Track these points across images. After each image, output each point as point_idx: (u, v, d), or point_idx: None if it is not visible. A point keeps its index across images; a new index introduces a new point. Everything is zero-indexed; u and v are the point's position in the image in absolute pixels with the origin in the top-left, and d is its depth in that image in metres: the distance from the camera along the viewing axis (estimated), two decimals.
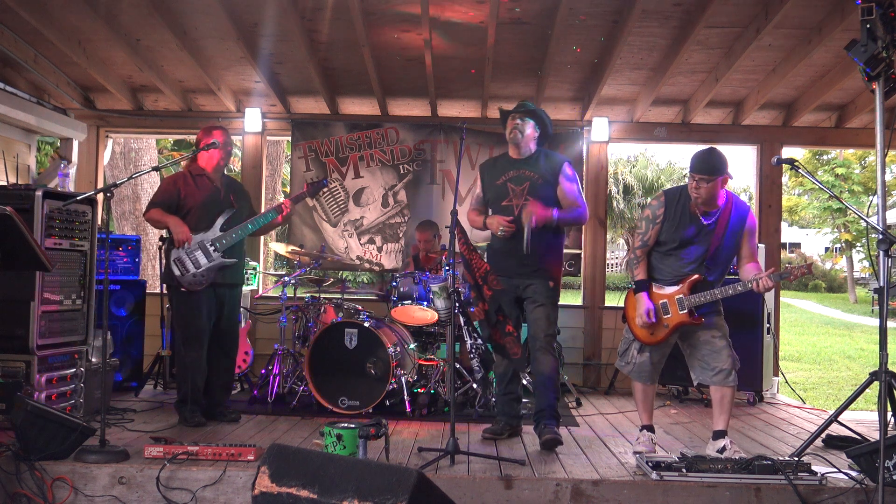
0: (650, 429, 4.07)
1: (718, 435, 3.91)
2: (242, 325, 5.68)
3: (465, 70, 6.03)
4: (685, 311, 3.84)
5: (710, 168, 3.76)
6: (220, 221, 4.49)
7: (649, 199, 4.27)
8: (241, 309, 5.20)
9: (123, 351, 5.72)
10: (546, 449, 4.01)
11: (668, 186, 29.52)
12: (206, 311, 4.46)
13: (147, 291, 5.94)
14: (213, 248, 4.43)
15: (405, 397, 4.97)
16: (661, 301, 3.92)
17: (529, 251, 4.05)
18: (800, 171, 3.67)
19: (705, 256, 3.87)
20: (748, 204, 3.94)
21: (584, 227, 6.74)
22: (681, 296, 3.86)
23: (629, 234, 32.01)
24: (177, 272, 4.40)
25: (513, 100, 6.66)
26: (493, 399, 4.91)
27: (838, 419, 3.96)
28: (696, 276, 3.85)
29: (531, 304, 4.22)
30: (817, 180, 3.90)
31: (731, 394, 3.91)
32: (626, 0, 4.91)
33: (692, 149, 4.10)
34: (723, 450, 3.81)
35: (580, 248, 6.86)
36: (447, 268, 4.85)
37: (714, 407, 3.96)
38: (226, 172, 4.74)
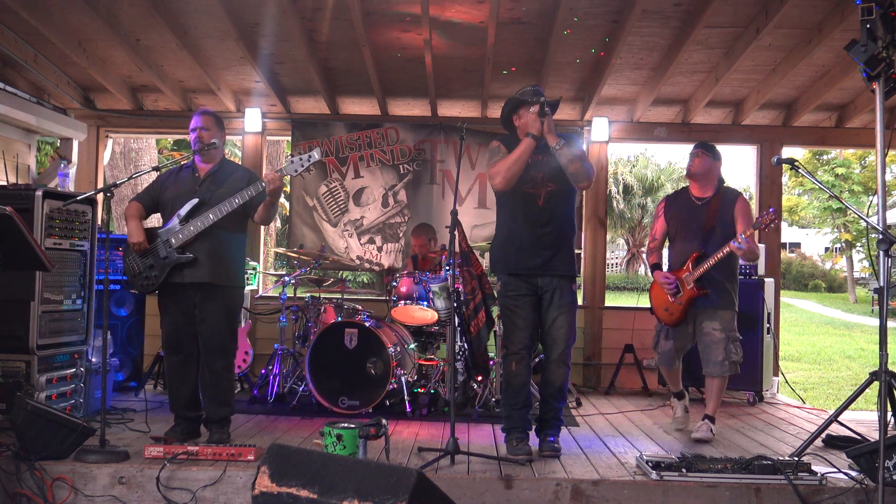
0: (679, 395, 4.76)
1: (703, 418, 4.43)
2: (242, 325, 5.67)
3: (465, 70, 6.02)
4: (692, 286, 4.34)
5: (709, 147, 4.52)
6: (180, 213, 3.95)
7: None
8: (242, 309, 5.13)
9: (123, 351, 5.72)
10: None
11: (667, 186, 29.62)
12: (178, 314, 4.03)
13: None
14: (165, 244, 3.94)
15: (405, 397, 4.97)
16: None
17: (552, 233, 3.90)
18: (800, 171, 3.69)
19: (703, 232, 4.39)
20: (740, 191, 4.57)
21: (584, 227, 6.75)
22: (686, 273, 4.38)
23: (629, 234, 32.06)
24: (129, 275, 4.09)
25: None
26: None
27: (838, 419, 3.96)
28: (695, 252, 4.37)
29: (556, 309, 3.91)
30: (817, 180, 3.90)
31: (720, 383, 4.39)
32: (626, 0, 4.91)
33: (692, 149, 4.58)
34: (698, 430, 4.35)
35: (580, 248, 6.85)
36: (447, 268, 4.84)
37: (706, 393, 4.55)
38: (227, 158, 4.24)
